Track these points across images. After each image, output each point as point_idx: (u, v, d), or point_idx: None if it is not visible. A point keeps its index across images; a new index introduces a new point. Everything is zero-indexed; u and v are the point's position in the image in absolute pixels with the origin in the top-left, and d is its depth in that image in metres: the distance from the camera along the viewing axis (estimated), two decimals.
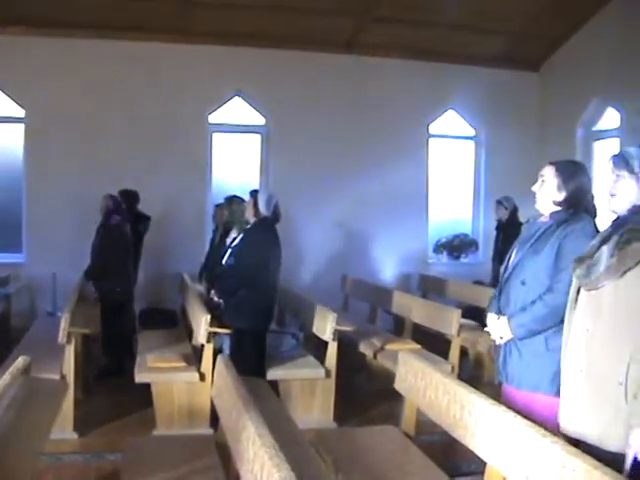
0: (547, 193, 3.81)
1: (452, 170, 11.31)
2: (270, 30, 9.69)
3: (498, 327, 3.83)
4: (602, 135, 10.31)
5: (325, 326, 6.12)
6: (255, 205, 6.14)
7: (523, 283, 3.75)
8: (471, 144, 11.27)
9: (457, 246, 10.84)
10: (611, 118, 10.15)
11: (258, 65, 9.96)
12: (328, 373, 6.08)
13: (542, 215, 3.90)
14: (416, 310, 7.29)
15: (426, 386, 4.00)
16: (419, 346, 6.85)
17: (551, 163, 3.87)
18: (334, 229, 10.25)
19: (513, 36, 10.31)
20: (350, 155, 10.25)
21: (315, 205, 10.06)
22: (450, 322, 6.35)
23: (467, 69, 10.65)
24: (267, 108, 10.26)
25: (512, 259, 3.91)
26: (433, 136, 10.98)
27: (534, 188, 3.88)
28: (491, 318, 3.92)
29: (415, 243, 10.62)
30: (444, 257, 10.95)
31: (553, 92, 10.93)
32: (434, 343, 6.90)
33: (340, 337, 6.27)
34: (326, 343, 6.15)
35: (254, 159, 10.53)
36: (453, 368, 6.32)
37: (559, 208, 3.78)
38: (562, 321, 3.48)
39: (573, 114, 10.46)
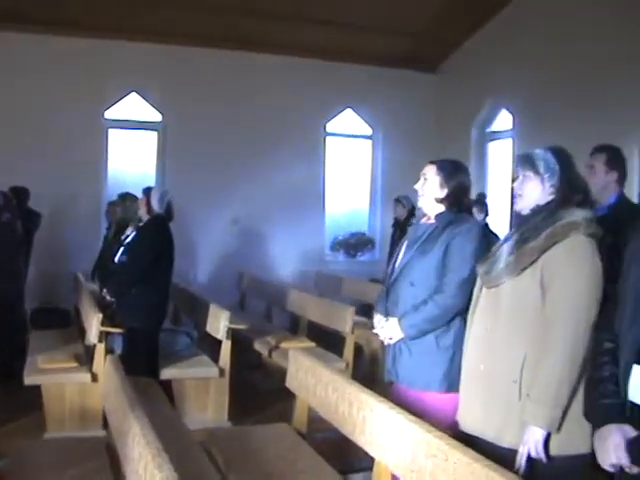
0: (429, 191, 3.88)
1: (350, 168, 11.39)
2: (169, 27, 9.55)
3: (387, 328, 3.86)
4: (496, 136, 10.59)
5: (218, 324, 6.09)
6: (148, 203, 6.06)
7: (412, 284, 3.79)
8: (368, 143, 11.37)
9: (354, 244, 10.93)
10: (504, 120, 10.41)
11: (156, 61, 9.80)
12: (222, 372, 6.04)
13: (426, 215, 3.97)
14: (311, 308, 7.32)
15: (316, 384, 4.01)
16: (314, 344, 6.88)
17: (432, 162, 3.96)
18: (231, 227, 10.19)
19: (411, 37, 10.45)
20: (247, 153, 10.20)
21: (212, 202, 9.98)
22: (344, 320, 6.40)
23: (365, 69, 10.74)
24: (164, 105, 10.11)
25: (399, 261, 3.96)
26: (330, 134, 11.03)
27: (417, 186, 3.95)
28: (379, 319, 3.95)
29: (312, 241, 10.66)
30: (341, 255, 11.03)
31: (450, 93, 11.13)
32: (329, 341, 6.94)
33: (235, 335, 6.23)
34: (220, 342, 6.11)
35: (151, 156, 10.37)
36: (347, 365, 6.37)
37: (442, 207, 3.86)
38: (452, 320, 3.55)
39: (468, 115, 10.70)
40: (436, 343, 3.70)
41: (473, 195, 9.62)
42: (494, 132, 10.63)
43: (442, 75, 11.43)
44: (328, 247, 11.08)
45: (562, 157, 3.16)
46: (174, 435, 3.76)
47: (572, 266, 2.92)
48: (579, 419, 2.78)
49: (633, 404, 2.48)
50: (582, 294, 2.88)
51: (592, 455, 2.68)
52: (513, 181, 3.24)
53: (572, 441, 2.90)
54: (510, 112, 10.15)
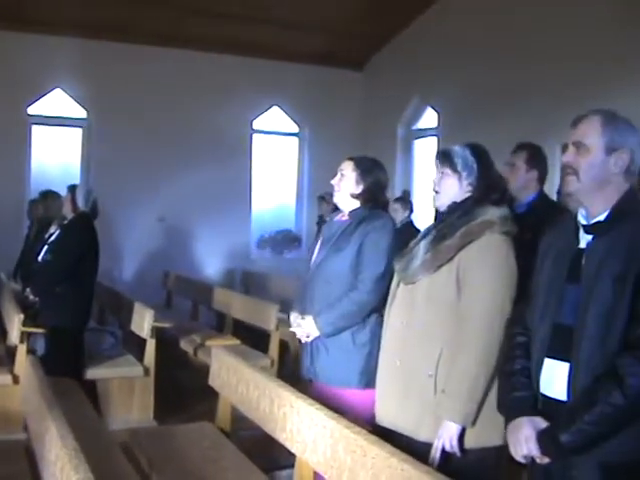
0: (346, 187, 3.91)
1: (276, 166, 11.39)
2: (94, 21, 9.39)
3: (304, 326, 3.88)
4: (421, 134, 10.73)
5: (143, 323, 6.03)
6: (73, 200, 5.96)
7: (327, 282, 3.81)
8: (295, 140, 11.39)
9: (280, 241, 10.94)
10: (430, 118, 10.55)
11: (80, 57, 9.60)
12: (147, 371, 5.99)
13: (341, 213, 4.00)
14: (236, 306, 7.31)
15: (238, 381, 4.02)
16: (239, 342, 6.89)
17: (350, 158, 3.99)
18: (157, 225, 10.10)
19: (338, 35, 10.48)
20: (173, 150, 10.11)
21: (138, 200, 9.85)
22: (269, 317, 6.42)
23: (292, 66, 10.74)
24: (89, 101, 9.96)
25: (314, 259, 3.98)
26: (257, 132, 11.02)
27: (333, 182, 3.97)
28: (295, 318, 3.97)
29: (239, 239, 10.62)
30: (267, 252, 11.03)
31: (376, 91, 11.22)
32: (255, 338, 6.95)
33: (161, 334, 6.20)
34: (145, 341, 6.06)
35: (75, 153, 10.21)
36: (273, 362, 6.39)
37: (357, 203, 3.88)
38: (368, 316, 3.58)
39: (394, 113, 10.81)
40: (352, 340, 3.73)
41: (398, 192, 9.77)
42: (420, 130, 10.77)
43: (368, 73, 11.51)
44: (255, 245, 11.07)
45: (480, 155, 3.20)
46: (93, 436, 3.72)
47: (486, 264, 2.97)
48: (493, 413, 2.84)
49: (544, 396, 2.56)
50: (496, 292, 2.94)
51: (506, 447, 2.74)
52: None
53: (486, 434, 2.96)
54: (435, 110, 10.30)
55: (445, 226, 3.10)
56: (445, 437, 2.91)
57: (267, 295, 8.58)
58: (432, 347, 3.01)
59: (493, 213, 3.06)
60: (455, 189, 3.16)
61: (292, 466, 3.57)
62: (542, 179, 4.57)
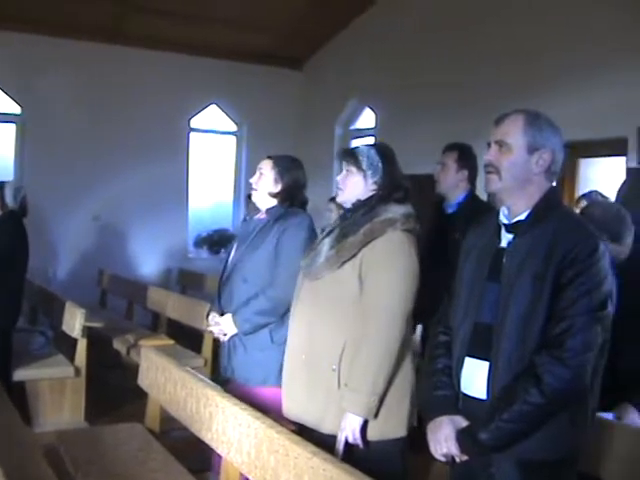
0: (264, 185, 3.93)
1: (214, 164, 11.30)
2: (31, 15, 9.13)
3: (222, 324, 3.88)
4: (359, 134, 10.70)
5: (74, 323, 5.91)
6: (2, 198, 5.83)
7: (245, 280, 3.84)
8: (233, 139, 11.32)
9: (217, 240, 10.85)
10: (368, 118, 10.56)
11: (15, 51, 9.35)
12: (78, 372, 5.89)
13: (259, 212, 4.01)
14: (170, 305, 7.24)
15: (166, 381, 3.98)
16: (172, 341, 6.83)
17: (269, 157, 4.02)
18: (93, 223, 9.94)
19: (277, 34, 10.42)
20: (110, 147, 9.93)
21: (73, 198, 9.65)
22: (202, 316, 6.35)
23: (230, 64, 10.64)
24: (24, 96, 9.73)
25: (231, 257, 3.99)
26: (195, 130, 10.91)
27: (252, 180, 3.99)
28: (212, 316, 3.98)
29: (175, 238, 10.50)
30: (204, 252, 10.95)
31: (315, 91, 11.19)
32: (189, 338, 6.89)
33: (94, 334, 6.11)
34: (77, 341, 5.96)
35: (9, 149, 9.99)
36: (206, 362, 6.35)
37: (275, 202, 3.90)
38: (286, 314, 3.60)
39: (333, 112, 10.77)
40: (270, 337, 3.76)
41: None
42: (358, 130, 10.77)
43: (308, 73, 11.48)
44: (191, 243, 10.97)
45: (385, 154, 3.26)
46: (13, 439, 3.64)
47: (388, 261, 3.03)
48: (395, 406, 3.01)
49: (465, 395, 2.58)
50: (397, 288, 3.01)
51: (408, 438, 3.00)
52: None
53: (388, 427, 3.06)
54: (373, 110, 10.32)
55: (349, 223, 3.14)
56: (348, 429, 2.97)
57: (203, 294, 8.51)
58: (336, 342, 3.06)
59: (396, 211, 3.12)
60: (360, 187, 3.20)
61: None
62: (472, 179, 4.63)
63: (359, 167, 3.20)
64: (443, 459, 2.57)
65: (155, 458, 3.88)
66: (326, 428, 3.08)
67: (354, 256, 3.06)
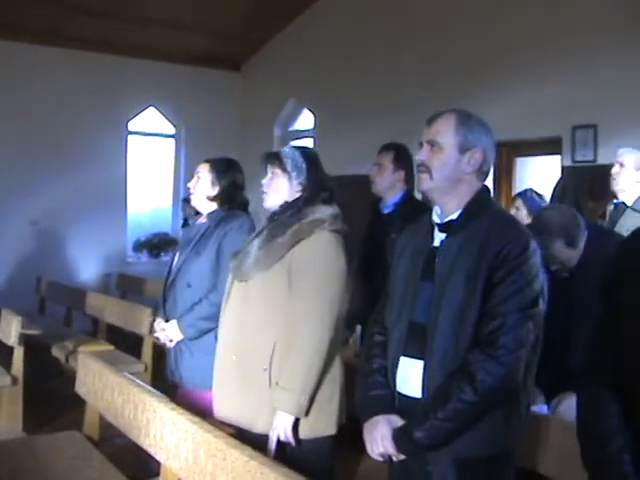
0: (202, 189, 3.94)
1: (153, 167, 11.19)
2: None
3: (167, 330, 3.87)
4: (298, 135, 10.74)
5: (10, 331, 5.79)
6: None
7: (189, 285, 3.86)
8: (172, 142, 11.23)
9: (157, 244, 10.75)
10: (306, 119, 10.60)
11: None
12: (15, 380, 5.74)
13: (200, 216, 4.02)
14: (110, 310, 7.13)
15: (104, 388, 3.92)
16: (112, 347, 6.74)
17: (206, 160, 4.03)
18: (30, 228, 9.75)
19: (215, 36, 10.37)
20: (47, 151, 9.76)
21: (9, 203, 9.46)
22: (142, 321, 6.29)
23: (168, 66, 10.56)
24: None
25: (175, 263, 3.98)
26: (132, 133, 10.79)
27: (190, 184, 4.00)
28: (158, 322, 3.97)
29: (114, 242, 10.37)
30: (144, 256, 10.83)
31: (254, 92, 11.17)
32: (130, 343, 6.81)
33: (31, 342, 5.99)
34: (13, 349, 5.84)
35: None
36: (146, 367, 6.27)
37: (215, 205, 3.91)
38: None
39: (271, 114, 10.80)
40: (216, 341, 3.73)
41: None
42: (297, 131, 10.80)
43: (246, 74, 11.46)
44: (131, 248, 10.84)
45: (309, 156, 3.30)
46: None
47: (316, 261, 3.07)
48: (326, 404, 3.07)
49: (401, 395, 2.59)
50: (326, 288, 3.04)
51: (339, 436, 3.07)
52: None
53: (320, 424, 3.10)
54: (312, 111, 10.35)
55: (277, 225, 3.18)
56: (280, 428, 3.00)
57: (144, 299, 8.41)
58: (266, 342, 3.10)
59: (323, 212, 3.15)
60: (285, 189, 3.23)
61: (157, 474, 3.52)
62: (409, 178, 4.65)
63: (284, 169, 3.23)
64: (380, 458, 2.58)
65: (94, 466, 3.82)
66: (259, 428, 3.10)
67: (283, 257, 3.10)
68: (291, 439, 3.02)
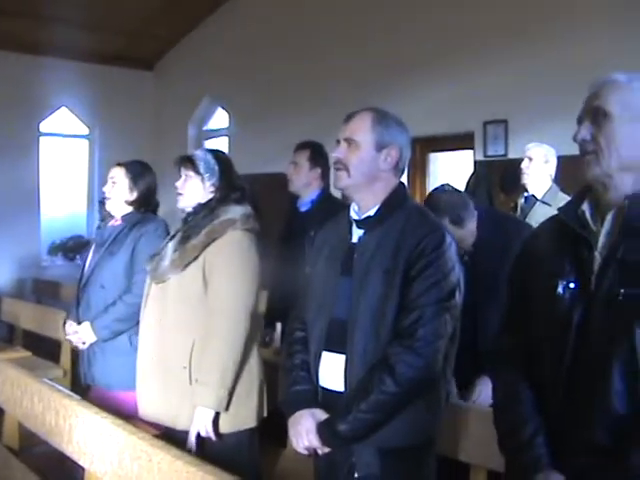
0: (119, 194, 3.96)
1: (66, 169, 10.96)
2: None
3: (80, 333, 3.86)
4: (213, 134, 10.69)
5: None
6: None
7: (102, 287, 3.89)
8: (85, 143, 11.02)
9: (72, 247, 10.55)
10: (221, 118, 10.57)
11: None
12: None
13: (114, 219, 4.02)
14: (25, 316, 6.99)
15: (23, 395, 3.84)
16: (29, 353, 6.60)
17: (119, 164, 4.04)
18: None
19: (127, 34, 10.18)
20: None
21: None
22: (58, 326, 6.16)
23: (81, 66, 10.31)
24: None
25: (88, 264, 3.98)
26: (45, 134, 10.56)
27: (105, 189, 4.00)
28: (70, 324, 3.95)
29: (28, 246, 10.10)
30: (59, 259, 10.62)
31: (167, 91, 11.05)
32: (47, 348, 6.68)
33: None
34: None
35: None
36: (65, 373, 6.18)
37: (131, 209, 3.94)
38: None
39: (186, 113, 10.70)
40: (129, 342, 3.82)
41: None
42: (211, 130, 10.74)
43: (159, 73, 11.33)
44: (45, 252, 10.61)
45: (221, 157, 3.41)
46: None
47: (230, 260, 3.18)
48: (244, 398, 3.17)
49: (324, 389, 2.63)
50: (240, 285, 3.16)
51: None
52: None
53: (239, 418, 3.20)
54: (226, 110, 10.32)
55: (191, 226, 3.27)
56: (200, 423, 3.07)
57: (60, 303, 8.25)
58: (185, 340, 3.17)
59: (235, 212, 3.25)
60: (199, 190, 3.33)
61: None
62: (325, 177, 4.69)
63: (197, 171, 3.32)
64: (305, 452, 2.62)
65: (15, 476, 3.75)
66: (181, 425, 3.17)
67: (197, 257, 3.19)
68: (212, 434, 3.09)
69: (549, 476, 1.96)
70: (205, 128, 10.82)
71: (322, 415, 2.57)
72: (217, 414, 3.12)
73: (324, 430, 2.52)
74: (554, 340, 2.01)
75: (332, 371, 2.57)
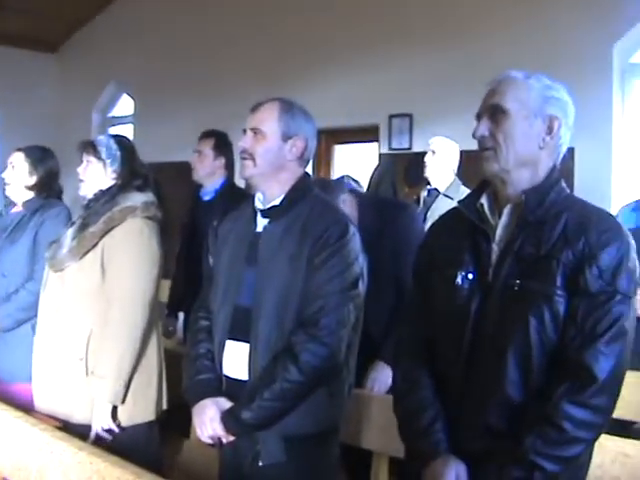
0: (18, 179, 3.89)
1: None
2: None
3: None
4: (117, 121, 10.47)
5: None
6: None
7: (3, 275, 3.81)
8: None
9: None
10: (126, 104, 10.38)
11: None
12: None
13: (15, 205, 3.95)
14: None
15: None
16: None
17: (19, 149, 3.98)
18: None
19: (30, 14, 9.84)
20: None
21: None
22: None
23: None
24: None
25: None
26: None
27: (4, 175, 3.92)
28: None
29: None
30: None
31: (72, 76, 10.74)
32: None
33: None
34: None
35: None
36: None
37: (32, 194, 3.87)
38: None
39: (90, 99, 10.45)
40: (33, 332, 3.68)
41: None
42: (115, 117, 10.54)
43: (63, 56, 11.01)
44: None
45: (123, 143, 3.35)
46: None
47: (128, 249, 3.12)
48: (142, 390, 3.12)
49: (228, 378, 2.64)
50: (139, 274, 3.11)
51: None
52: None
53: (138, 411, 3.16)
54: (131, 97, 10.15)
55: (90, 213, 3.20)
56: (99, 417, 3.03)
57: None
58: (81, 331, 3.11)
59: (136, 199, 3.20)
60: (100, 176, 3.26)
61: None
62: (229, 166, 4.69)
63: (98, 157, 3.25)
64: (210, 441, 2.62)
65: None
66: (78, 418, 3.11)
67: (95, 245, 3.13)
68: (113, 427, 3.05)
69: (447, 461, 2.02)
70: (110, 115, 10.60)
71: (226, 404, 2.57)
72: (115, 407, 3.07)
73: (228, 419, 2.52)
74: (453, 329, 2.08)
75: (236, 360, 2.58)
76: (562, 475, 1.94)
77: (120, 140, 3.37)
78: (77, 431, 2.91)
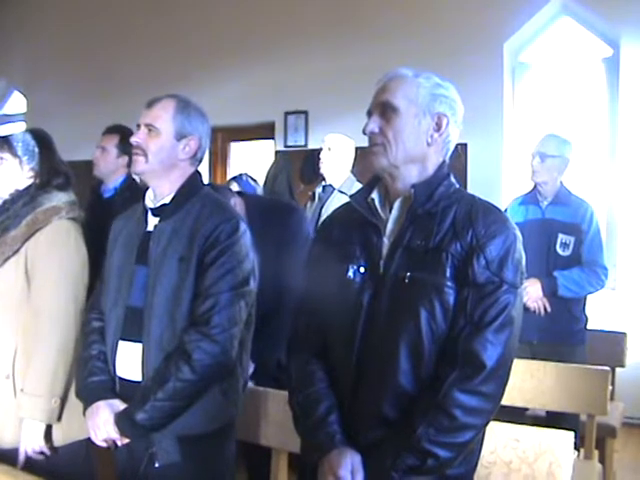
0: None
1: None
2: None
3: None
4: (9, 119, 10.19)
5: None
6: None
7: None
8: None
9: None
10: (18, 102, 10.11)
11: None
12: None
13: None
14: None
15: None
16: None
17: None
18: None
19: None
20: None
21: None
22: None
23: None
24: None
25: None
26: None
27: None
28: None
29: None
30: None
31: None
32: None
33: None
34: None
35: None
36: None
37: None
38: None
39: None
40: None
41: None
42: (6, 115, 10.25)
43: None
44: None
45: (42, 139, 3.09)
46: None
47: (55, 253, 2.86)
48: (77, 406, 2.75)
49: (121, 379, 2.60)
50: (67, 280, 2.85)
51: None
52: None
53: (73, 428, 2.88)
54: (23, 94, 9.88)
55: (10, 216, 2.92)
56: (30, 438, 2.77)
57: None
58: (6, 347, 2.83)
59: (60, 199, 2.98)
60: (17, 175, 2.99)
61: None
62: (131, 164, 4.60)
63: (14, 154, 2.98)
64: (104, 444, 2.57)
65: None
66: (6, 442, 2.82)
67: (17, 251, 2.85)
68: (44, 449, 2.79)
69: (343, 452, 2.04)
70: (0, 113, 10.29)
71: (120, 406, 2.54)
72: (49, 426, 2.80)
73: (122, 421, 2.48)
74: (346, 322, 2.11)
75: (129, 360, 2.55)
76: (455, 461, 1.99)
77: (38, 135, 3.09)
78: (7, 457, 2.62)
